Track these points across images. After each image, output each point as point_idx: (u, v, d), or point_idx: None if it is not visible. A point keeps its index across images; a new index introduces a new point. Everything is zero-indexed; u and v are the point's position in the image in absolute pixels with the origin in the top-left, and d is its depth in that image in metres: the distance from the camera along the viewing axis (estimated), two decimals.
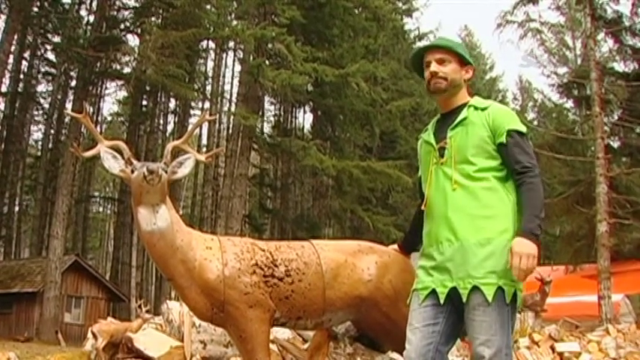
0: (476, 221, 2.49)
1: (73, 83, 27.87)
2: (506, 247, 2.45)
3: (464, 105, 2.69)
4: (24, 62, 31.63)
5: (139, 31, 26.02)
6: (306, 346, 5.28)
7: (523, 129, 2.60)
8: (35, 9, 26.59)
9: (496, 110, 2.64)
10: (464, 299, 2.45)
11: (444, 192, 2.57)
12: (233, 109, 29.86)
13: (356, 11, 28.01)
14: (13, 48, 26.14)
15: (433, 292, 2.54)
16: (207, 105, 34.61)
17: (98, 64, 24.79)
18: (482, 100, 2.73)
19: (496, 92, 47.39)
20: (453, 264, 2.49)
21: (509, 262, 2.42)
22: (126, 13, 27.04)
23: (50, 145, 32.55)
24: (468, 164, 2.56)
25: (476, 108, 2.65)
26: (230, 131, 30.45)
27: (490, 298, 2.40)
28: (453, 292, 2.49)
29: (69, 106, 29.71)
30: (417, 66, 2.79)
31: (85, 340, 10.94)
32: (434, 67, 2.66)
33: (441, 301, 2.51)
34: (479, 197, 2.52)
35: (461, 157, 2.58)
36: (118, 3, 26.80)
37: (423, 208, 2.68)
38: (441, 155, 2.64)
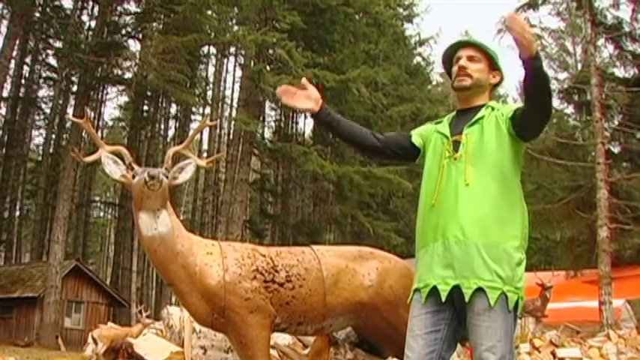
0: (486, 223, 2.47)
1: (75, 88, 27.89)
2: (513, 254, 2.45)
3: (482, 105, 2.71)
4: (25, 67, 31.68)
5: (141, 36, 26.12)
6: (306, 351, 5.27)
7: None
8: (37, 14, 26.68)
9: (506, 106, 2.70)
10: (466, 299, 2.41)
11: (456, 188, 2.53)
12: (234, 114, 29.93)
13: (357, 17, 28.09)
14: (14, 53, 26.19)
15: (434, 292, 2.50)
16: (208, 110, 34.65)
17: (99, 70, 24.85)
18: (500, 104, 2.76)
19: (496, 98, 47.30)
20: (458, 262, 2.45)
21: (521, 277, 2.47)
22: (127, 18, 27.10)
23: (51, 150, 32.55)
24: (482, 165, 2.54)
25: (493, 109, 2.67)
26: (231, 136, 30.52)
27: (492, 302, 2.38)
28: (455, 291, 2.46)
29: (70, 111, 29.77)
30: (448, 62, 2.82)
31: (85, 345, 10.90)
32: (463, 62, 2.69)
33: (443, 299, 2.47)
34: (490, 198, 2.50)
35: (476, 156, 2.56)
36: (119, 8, 26.85)
37: (433, 202, 2.59)
38: (455, 149, 2.62)
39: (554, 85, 17.85)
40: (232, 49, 29.24)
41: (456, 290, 2.45)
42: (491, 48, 2.73)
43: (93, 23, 27.90)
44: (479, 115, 2.65)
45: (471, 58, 2.69)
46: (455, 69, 2.72)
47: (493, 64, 2.73)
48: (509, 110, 2.62)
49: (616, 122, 15.45)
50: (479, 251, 2.44)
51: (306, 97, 2.74)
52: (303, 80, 2.77)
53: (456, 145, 2.62)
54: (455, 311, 2.50)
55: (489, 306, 2.39)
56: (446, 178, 2.58)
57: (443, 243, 2.51)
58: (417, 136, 2.86)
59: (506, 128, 2.59)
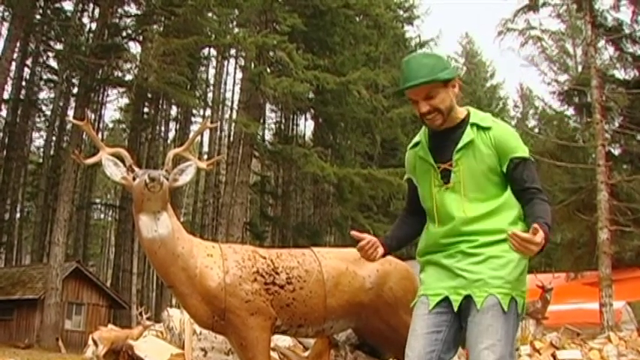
0: (491, 240, 2.46)
1: (75, 90, 27.93)
2: (519, 261, 2.46)
3: (463, 121, 2.57)
4: (26, 69, 31.73)
5: (141, 38, 26.15)
6: (307, 353, 5.27)
7: (526, 154, 2.51)
8: (38, 16, 26.72)
9: (498, 133, 2.53)
10: (478, 306, 2.41)
11: (454, 218, 2.51)
12: (234, 116, 29.93)
13: (357, 19, 28.12)
14: (15, 55, 26.23)
15: (444, 300, 2.51)
16: (208, 112, 34.71)
17: (100, 72, 24.89)
18: (481, 115, 2.60)
19: (497, 100, 47.39)
20: (468, 273, 2.46)
21: (525, 282, 2.47)
22: (128, 20, 27.14)
23: (52, 152, 32.60)
24: (477, 190, 2.50)
25: (479, 127, 2.53)
26: (231, 139, 30.54)
27: (506, 308, 2.40)
28: (465, 300, 2.47)
29: (71, 113, 29.80)
30: (403, 92, 2.59)
31: (86, 347, 10.92)
32: (424, 107, 2.49)
33: (455, 309, 2.48)
34: (492, 221, 2.49)
35: (470, 182, 2.50)
36: (120, 10, 26.89)
37: (435, 225, 2.56)
38: (444, 177, 2.54)
39: (554, 87, 17.83)
40: (233, 51, 29.25)
41: (466, 299, 2.46)
42: (435, 70, 2.46)
43: (93, 25, 28.01)
44: (466, 137, 2.52)
45: (427, 97, 2.49)
46: (418, 112, 2.53)
47: (447, 80, 2.50)
48: (505, 158, 2.49)
49: (616, 124, 15.44)
50: (488, 262, 2.45)
51: (376, 248, 2.63)
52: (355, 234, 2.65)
53: (445, 172, 2.54)
54: (458, 314, 2.51)
55: (501, 310, 2.40)
56: (442, 208, 2.54)
57: (452, 255, 2.51)
58: (411, 175, 2.73)
59: (499, 164, 2.50)
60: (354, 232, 2.66)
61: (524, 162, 2.51)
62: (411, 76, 2.48)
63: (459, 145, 2.52)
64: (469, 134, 2.53)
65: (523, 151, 2.52)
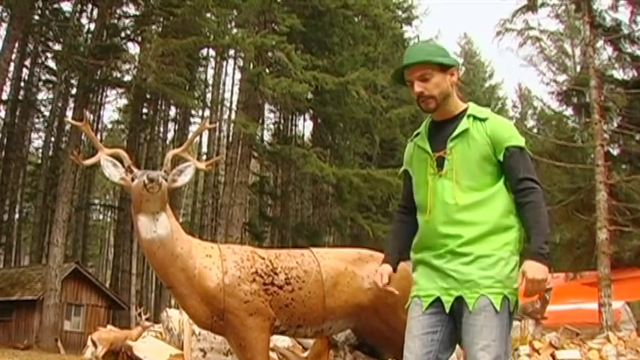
0: (481, 236, 2.47)
1: (74, 91, 27.93)
2: (509, 259, 2.46)
3: (461, 113, 2.62)
4: (25, 70, 31.72)
5: (140, 39, 26.13)
6: (306, 354, 5.27)
7: (521, 143, 2.55)
8: (36, 17, 26.71)
9: (494, 123, 2.57)
10: (470, 308, 2.42)
11: (447, 205, 2.52)
12: (233, 117, 29.94)
13: (356, 19, 28.14)
14: (14, 56, 26.20)
15: (437, 300, 2.52)
16: (207, 113, 34.69)
17: (99, 72, 24.84)
18: (480, 108, 2.65)
19: (495, 100, 47.40)
20: (458, 274, 2.47)
21: (516, 279, 2.45)
22: (126, 21, 27.14)
23: (50, 153, 32.57)
24: (470, 179, 2.52)
25: (475, 118, 2.58)
26: (230, 139, 30.51)
27: (498, 307, 2.41)
28: (457, 301, 2.48)
29: (69, 113, 29.80)
30: (400, 78, 2.67)
31: (85, 348, 10.93)
32: (418, 87, 2.56)
33: (447, 310, 2.49)
34: (482, 211, 2.50)
35: (463, 170, 2.52)
36: (118, 11, 26.89)
37: (427, 217, 2.59)
38: (439, 165, 2.57)
39: (553, 88, 17.85)
40: (231, 52, 29.25)
41: (458, 300, 2.48)
42: (435, 53, 2.59)
43: (92, 26, 28.01)
44: (462, 127, 2.57)
45: (422, 78, 2.55)
46: (413, 94, 2.61)
47: (444, 66, 2.57)
48: (500, 147, 2.53)
49: (615, 124, 15.45)
50: (478, 262, 2.46)
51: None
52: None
53: (440, 160, 2.58)
54: (452, 314, 2.52)
55: (494, 310, 2.41)
56: (434, 195, 2.57)
57: (442, 255, 2.53)
58: (407, 167, 2.78)
59: (493, 154, 2.54)
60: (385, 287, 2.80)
61: (520, 151, 2.55)
62: (409, 58, 2.60)
63: (454, 134, 2.57)
64: (465, 124, 2.58)
65: (518, 141, 2.56)
